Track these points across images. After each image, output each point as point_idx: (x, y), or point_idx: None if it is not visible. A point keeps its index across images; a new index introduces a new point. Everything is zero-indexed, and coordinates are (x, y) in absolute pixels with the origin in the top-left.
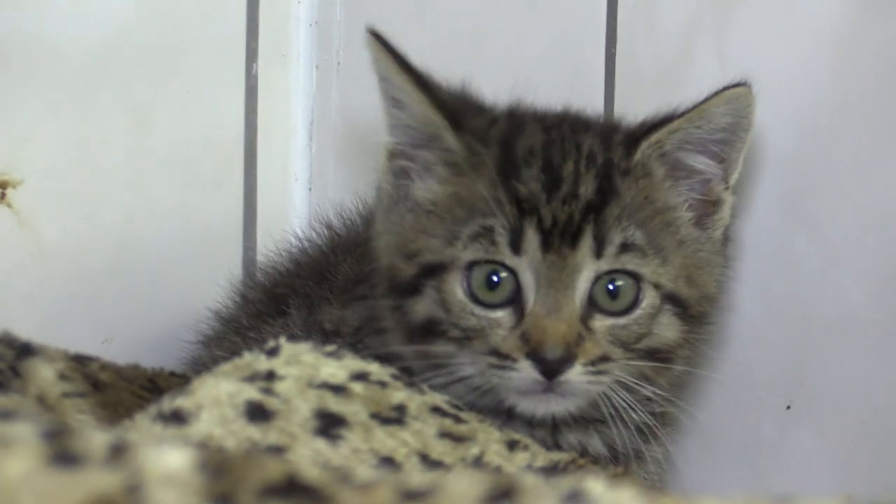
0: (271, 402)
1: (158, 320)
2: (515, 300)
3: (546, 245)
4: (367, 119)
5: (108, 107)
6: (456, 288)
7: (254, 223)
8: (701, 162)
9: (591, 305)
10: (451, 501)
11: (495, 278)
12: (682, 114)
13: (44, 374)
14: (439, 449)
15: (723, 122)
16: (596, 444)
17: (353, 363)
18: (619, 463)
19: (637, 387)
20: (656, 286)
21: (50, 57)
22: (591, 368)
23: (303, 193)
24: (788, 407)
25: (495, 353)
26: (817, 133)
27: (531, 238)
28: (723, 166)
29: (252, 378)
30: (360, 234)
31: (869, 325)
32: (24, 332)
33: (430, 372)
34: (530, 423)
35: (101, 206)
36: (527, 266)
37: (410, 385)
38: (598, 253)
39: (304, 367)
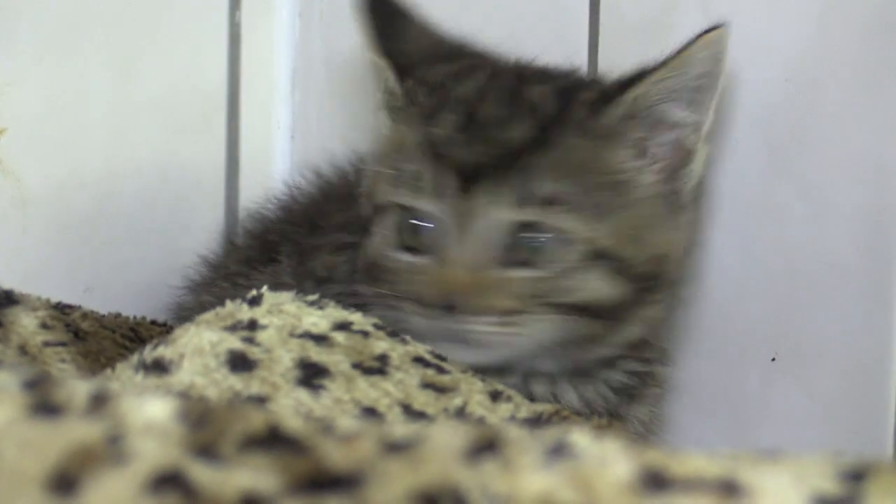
0: (253, 352)
1: (140, 269)
2: (438, 247)
3: (462, 191)
4: (351, 67)
5: (91, 55)
6: (388, 231)
7: (236, 171)
8: (679, 113)
9: (508, 256)
10: (434, 453)
11: (422, 225)
12: (664, 62)
13: (25, 322)
14: (422, 399)
15: (702, 68)
16: (570, 399)
17: (335, 313)
18: (600, 416)
19: (580, 344)
20: (585, 242)
21: (32, 4)
22: (496, 320)
23: (285, 141)
24: (773, 359)
25: (415, 299)
26: (802, 83)
27: (447, 183)
28: (697, 116)
29: (234, 327)
30: (351, 182)
31: (854, 276)
32: (6, 280)
33: (385, 312)
34: (500, 372)
35: (83, 153)
36: (445, 212)
37: (393, 335)
38: (519, 202)
39: (286, 316)
